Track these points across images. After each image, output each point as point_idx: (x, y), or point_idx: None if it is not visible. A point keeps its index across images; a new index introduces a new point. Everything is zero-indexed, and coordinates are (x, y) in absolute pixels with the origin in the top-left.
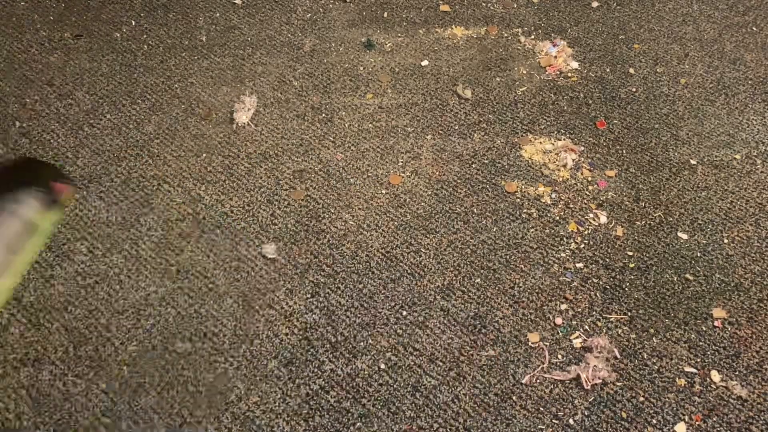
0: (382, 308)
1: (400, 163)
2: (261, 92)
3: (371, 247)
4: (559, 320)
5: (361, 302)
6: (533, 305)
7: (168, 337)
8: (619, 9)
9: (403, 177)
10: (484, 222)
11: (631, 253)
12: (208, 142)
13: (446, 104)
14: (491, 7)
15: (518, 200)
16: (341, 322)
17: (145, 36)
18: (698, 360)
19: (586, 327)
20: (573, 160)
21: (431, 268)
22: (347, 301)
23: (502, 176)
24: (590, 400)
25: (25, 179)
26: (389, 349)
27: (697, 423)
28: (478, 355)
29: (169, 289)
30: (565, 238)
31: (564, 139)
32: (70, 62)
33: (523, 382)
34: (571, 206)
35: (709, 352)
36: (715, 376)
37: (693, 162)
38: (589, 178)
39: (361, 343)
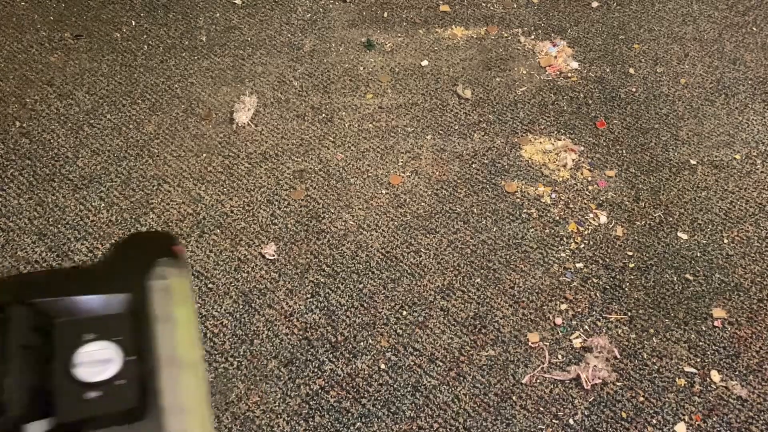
0: (382, 308)
1: (400, 163)
2: (261, 92)
3: (371, 247)
4: (559, 320)
5: (361, 302)
6: (533, 305)
7: None
8: (619, 9)
9: (403, 177)
10: (484, 222)
11: (631, 253)
12: (208, 142)
13: (446, 104)
14: (491, 7)
15: (518, 200)
16: (341, 322)
17: (145, 36)
18: (698, 360)
19: (586, 327)
20: (573, 160)
21: (431, 268)
22: (347, 301)
23: (502, 176)
24: (590, 400)
25: (150, 253)
26: (389, 349)
27: (697, 423)
28: (478, 355)
29: None
30: (565, 238)
31: (564, 139)
32: (70, 62)
33: (523, 382)
34: (571, 206)
35: (709, 352)
36: (715, 376)
37: (693, 162)
38: (589, 178)
39: (361, 343)
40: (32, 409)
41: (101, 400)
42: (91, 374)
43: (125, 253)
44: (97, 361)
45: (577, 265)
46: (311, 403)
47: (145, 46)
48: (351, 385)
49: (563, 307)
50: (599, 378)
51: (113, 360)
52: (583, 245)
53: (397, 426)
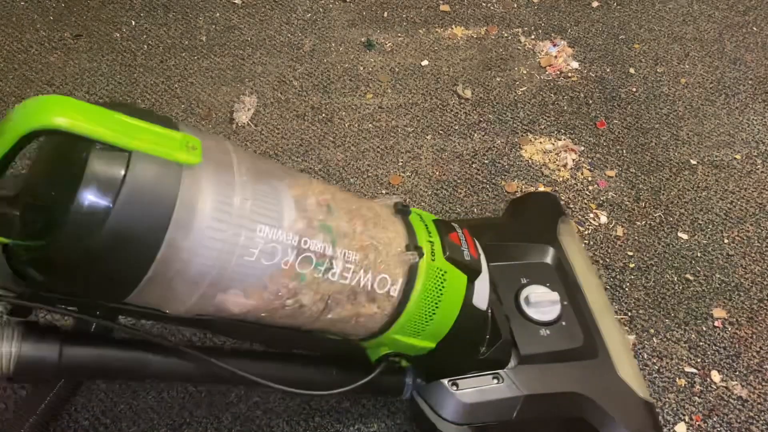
0: None
1: (400, 163)
2: (261, 92)
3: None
4: None
5: None
6: None
7: None
8: (620, 9)
9: (403, 177)
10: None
11: (631, 253)
12: None
13: (446, 104)
14: (491, 7)
15: None
16: None
17: (144, 36)
18: (698, 360)
19: None
20: (573, 160)
21: None
22: None
23: (502, 176)
24: None
25: (554, 211)
26: None
27: (697, 423)
28: None
29: None
30: None
31: (564, 139)
32: (69, 62)
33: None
34: (571, 206)
35: (709, 352)
36: (715, 376)
37: (693, 162)
38: (589, 178)
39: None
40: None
41: (554, 338)
42: (542, 314)
43: (530, 209)
44: (544, 303)
45: None
46: (311, 403)
47: (145, 46)
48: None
49: None
50: None
51: (556, 302)
52: (583, 245)
53: (397, 426)
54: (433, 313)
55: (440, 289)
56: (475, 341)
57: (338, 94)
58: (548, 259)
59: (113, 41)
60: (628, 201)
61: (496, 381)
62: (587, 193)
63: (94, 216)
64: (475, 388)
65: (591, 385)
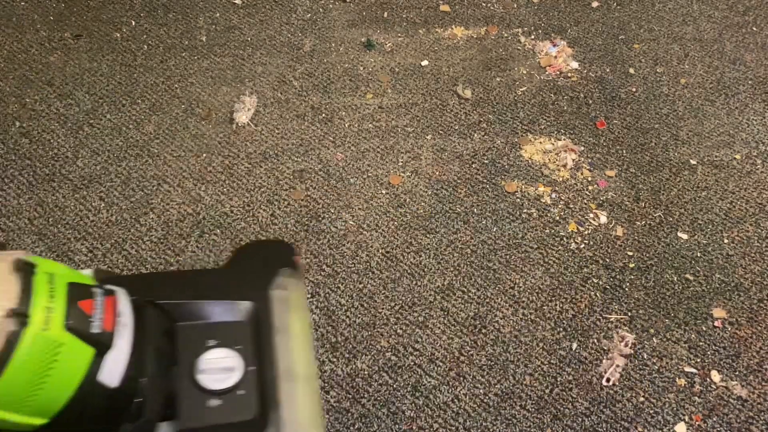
0: (382, 308)
1: (400, 163)
2: (261, 92)
3: (371, 247)
4: (559, 320)
5: (361, 302)
6: (533, 305)
7: None
8: (619, 9)
9: (403, 177)
10: (484, 222)
11: (631, 253)
12: (208, 142)
13: (446, 104)
14: (491, 7)
15: (518, 200)
16: (341, 322)
17: (145, 36)
18: (698, 360)
19: (586, 327)
20: (573, 160)
21: (431, 268)
22: (347, 301)
23: (502, 176)
24: (590, 400)
25: (273, 262)
26: (389, 349)
27: (697, 423)
28: (478, 355)
29: None
30: (565, 238)
31: (564, 139)
32: (70, 62)
33: (524, 382)
34: (571, 206)
35: (709, 352)
36: (715, 376)
37: (693, 162)
38: (589, 178)
39: (361, 343)
40: (163, 411)
41: (223, 409)
42: (214, 382)
43: (247, 260)
44: (220, 369)
45: (577, 265)
46: None
47: (145, 46)
48: (351, 385)
49: (563, 306)
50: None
51: (235, 369)
52: (583, 245)
53: (397, 426)
54: (40, 388)
55: (50, 362)
56: (105, 418)
57: (338, 94)
58: (245, 317)
59: (113, 41)
60: (628, 201)
61: None
62: (587, 193)
63: None
64: None
65: None
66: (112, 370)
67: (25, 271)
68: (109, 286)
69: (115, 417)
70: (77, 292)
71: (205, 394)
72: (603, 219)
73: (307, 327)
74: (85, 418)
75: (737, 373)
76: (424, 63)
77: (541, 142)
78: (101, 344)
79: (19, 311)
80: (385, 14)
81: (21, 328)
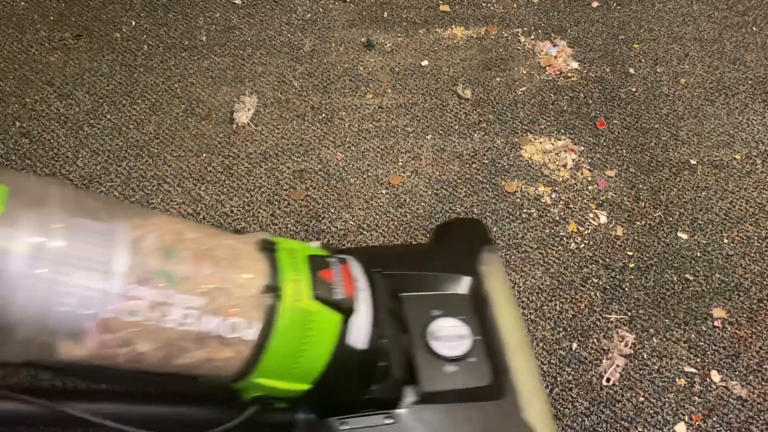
0: None
1: (400, 163)
2: (261, 92)
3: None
4: (558, 320)
5: None
6: (533, 305)
7: None
8: (619, 9)
9: (403, 177)
10: (484, 222)
11: (631, 253)
12: (208, 142)
13: (446, 104)
14: (491, 7)
15: (518, 200)
16: None
17: (145, 36)
18: (698, 360)
19: (586, 327)
20: (573, 160)
21: None
22: None
23: (502, 176)
24: (590, 400)
25: (477, 239)
26: None
27: (697, 423)
28: None
29: None
30: (565, 238)
31: (564, 139)
32: (70, 62)
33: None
34: (571, 206)
35: (709, 352)
36: (715, 376)
37: (693, 162)
38: (589, 178)
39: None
40: (405, 373)
41: (459, 375)
42: (448, 348)
43: (454, 237)
44: (453, 337)
45: (577, 265)
46: None
47: (145, 46)
48: None
49: (563, 306)
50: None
51: (465, 337)
52: (583, 245)
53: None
54: (300, 356)
55: (306, 331)
56: (359, 380)
57: (338, 94)
58: (465, 290)
59: (113, 41)
60: (628, 201)
61: (388, 421)
62: (587, 193)
63: None
64: (364, 428)
65: (492, 427)
66: (359, 333)
67: (269, 249)
68: (341, 256)
69: (365, 379)
70: (317, 264)
71: (440, 360)
72: (603, 219)
73: (513, 299)
74: (340, 381)
75: (737, 373)
76: (424, 63)
77: (541, 142)
78: (346, 309)
79: (272, 286)
80: (385, 14)
81: (276, 302)
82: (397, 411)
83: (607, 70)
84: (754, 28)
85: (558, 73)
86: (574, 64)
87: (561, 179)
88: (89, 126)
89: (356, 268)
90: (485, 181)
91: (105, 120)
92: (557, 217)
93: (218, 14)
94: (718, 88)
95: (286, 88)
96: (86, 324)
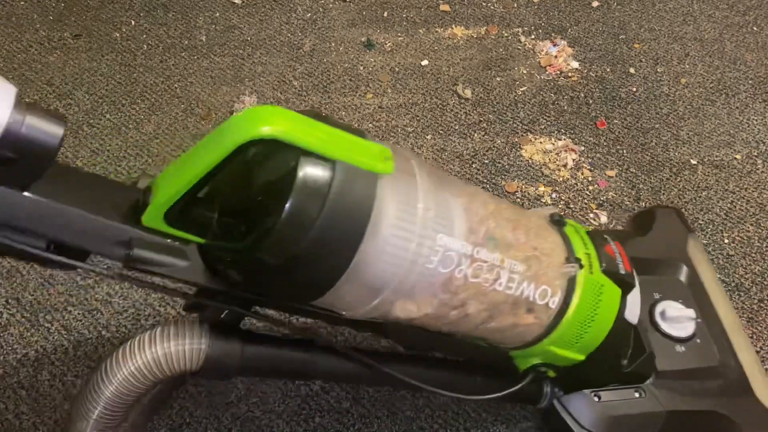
0: None
1: None
2: (261, 92)
3: None
4: None
5: None
6: None
7: None
8: (620, 9)
9: None
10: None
11: None
12: None
13: (446, 104)
14: (491, 7)
15: (518, 200)
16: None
17: (144, 36)
18: None
19: None
20: (573, 160)
21: None
22: None
23: (503, 176)
24: None
25: (683, 226)
26: (390, 350)
27: None
28: None
29: None
30: None
31: (564, 139)
32: (69, 62)
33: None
34: (572, 206)
35: None
36: None
37: (693, 162)
38: (590, 178)
39: (362, 344)
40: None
41: (689, 355)
42: (678, 329)
43: (660, 224)
44: (680, 318)
45: None
46: (311, 403)
47: (145, 46)
48: (351, 385)
49: None
50: None
51: (691, 319)
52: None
53: (397, 427)
54: (589, 326)
55: (597, 302)
56: (621, 354)
57: (338, 94)
58: (681, 275)
59: (113, 41)
60: (629, 201)
61: (638, 395)
62: (587, 193)
63: (302, 223)
64: (618, 401)
65: (730, 405)
66: (633, 308)
67: (559, 223)
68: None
69: (627, 352)
70: (599, 240)
71: (670, 340)
72: (603, 219)
73: (719, 283)
74: (609, 353)
75: None
76: (424, 63)
77: (541, 142)
78: (627, 284)
79: (574, 257)
80: (385, 14)
81: (577, 272)
82: (644, 386)
83: (608, 69)
84: (755, 28)
85: (558, 72)
86: (575, 64)
87: (561, 179)
88: (88, 126)
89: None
90: (485, 181)
91: (104, 120)
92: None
93: (218, 14)
94: (718, 88)
95: (286, 87)
96: (438, 283)
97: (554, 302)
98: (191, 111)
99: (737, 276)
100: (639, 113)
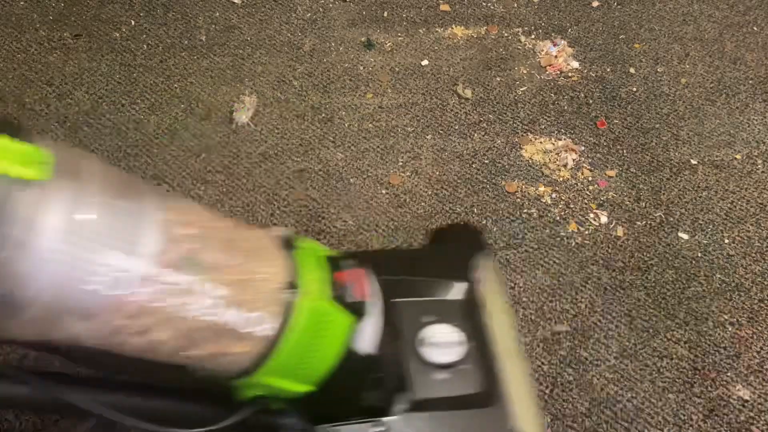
0: None
1: (400, 163)
2: (261, 92)
3: (371, 247)
4: (559, 320)
5: None
6: (533, 305)
7: None
8: (620, 8)
9: (403, 177)
10: (484, 222)
11: (631, 253)
12: (208, 142)
13: (446, 104)
14: (491, 7)
15: (518, 200)
16: None
17: (144, 35)
18: (698, 360)
19: (586, 327)
20: (573, 160)
21: None
22: None
23: (503, 176)
24: (590, 400)
25: (471, 245)
26: None
27: (697, 423)
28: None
29: None
30: (565, 238)
31: (564, 139)
32: (69, 62)
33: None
34: (572, 206)
35: (709, 352)
36: (716, 376)
37: (693, 162)
38: (590, 178)
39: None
40: (398, 381)
41: (451, 382)
42: (441, 355)
43: (447, 242)
44: (445, 343)
45: (578, 265)
46: None
47: (145, 46)
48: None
49: (564, 307)
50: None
51: (459, 344)
52: (583, 245)
53: None
54: (310, 356)
55: (319, 331)
56: (359, 386)
57: (338, 94)
58: (459, 296)
59: (113, 41)
60: (629, 201)
61: (377, 429)
62: (587, 193)
63: None
64: None
65: None
66: (367, 337)
67: (290, 246)
68: (352, 260)
69: (368, 383)
70: (334, 265)
71: (432, 367)
72: (603, 219)
73: (508, 306)
74: (343, 385)
75: (737, 373)
76: (424, 63)
77: (541, 142)
78: (359, 312)
79: (293, 283)
80: (385, 14)
81: (296, 299)
82: (387, 419)
83: (608, 69)
84: (755, 28)
85: (558, 72)
86: (575, 64)
87: (561, 179)
88: (88, 126)
89: (369, 273)
90: (485, 181)
91: (104, 120)
92: (558, 217)
93: (218, 14)
94: (718, 88)
95: (286, 87)
96: (107, 305)
97: (268, 330)
98: (191, 111)
99: (737, 276)
100: (639, 113)
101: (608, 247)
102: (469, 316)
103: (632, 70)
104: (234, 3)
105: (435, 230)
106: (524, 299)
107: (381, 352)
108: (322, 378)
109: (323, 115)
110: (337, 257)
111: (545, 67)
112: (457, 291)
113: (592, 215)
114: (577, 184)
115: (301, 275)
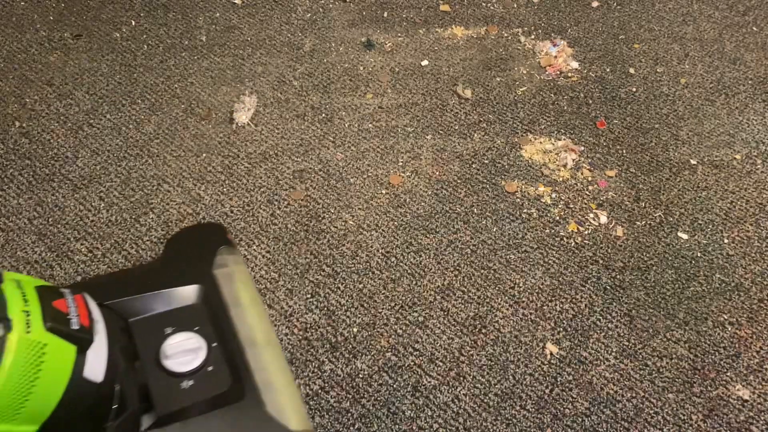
0: (382, 308)
1: (400, 163)
2: (261, 92)
3: (371, 247)
4: (559, 320)
5: (361, 302)
6: (533, 305)
7: None
8: (620, 9)
9: (403, 177)
10: (484, 222)
11: (631, 253)
12: (208, 142)
13: (446, 104)
14: (491, 7)
15: (518, 200)
16: (341, 322)
17: (144, 36)
18: (698, 360)
19: (586, 327)
20: (573, 160)
21: (431, 268)
22: (347, 301)
23: (502, 176)
24: (590, 400)
25: (210, 243)
26: (389, 349)
27: (697, 423)
28: (478, 355)
29: None
30: (565, 239)
31: (564, 139)
32: (69, 62)
33: (524, 382)
34: (572, 206)
35: (708, 352)
36: (715, 375)
37: (693, 162)
38: (589, 178)
39: (361, 344)
40: (141, 403)
41: (196, 388)
42: (181, 365)
43: (184, 246)
44: (185, 351)
45: (577, 265)
46: (311, 403)
47: (145, 46)
48: (351, 385)
49: (563, 307)
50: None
51: (199, 348)
52: (583, 245)
53: (397, 426)
54: (29, 392)
55: (37, 365)
56: (95, 416)
57: (338, 94)
58: (196, 299)
59: (113, 41)
60: (628, 201)
61: None
62: (587, 193)
63: None
64: None
65: (236, 428)
66: (96, 365)
67: None
68: (67, 289)
69: (101, 415)
70: (48, 294)
71: (175, 378)
72: (603, 219)
73: (257, 296)
74: (75, 418)
75: (737, 373)
76: (424, 63)
77: (541, 142)
78: (83, 340)
79: (3, 317)
80: (385, 14)
81: (4, 333)
82: None
83: (608, 70)
84: (755, 28)
85: (558, 73)
86: (574, 64)
87: (561, 179)
88: (89, 126)
89: (89, 299)
90: (485, 181)
91: (105, 120)
92: (557, 217)
93: (218, 14)
94: (718, 88)
95: (286, 87)
96: None
97: None
98: (191, 111)
99: (737, 276)
100: (639, 113)
101: (608, 247)
102: (208, 317)
103: (632, 71)
104: (234, 3)
105: (168, 239)
106: (524, 299)
107: (115, 376)
108: (50, 414)
109: (323, 115)
110: (53, 287)
111: (545, 67)
112: (192, 295)
113: (591, 215)
114: (576, 184)
115: (10, 308)
